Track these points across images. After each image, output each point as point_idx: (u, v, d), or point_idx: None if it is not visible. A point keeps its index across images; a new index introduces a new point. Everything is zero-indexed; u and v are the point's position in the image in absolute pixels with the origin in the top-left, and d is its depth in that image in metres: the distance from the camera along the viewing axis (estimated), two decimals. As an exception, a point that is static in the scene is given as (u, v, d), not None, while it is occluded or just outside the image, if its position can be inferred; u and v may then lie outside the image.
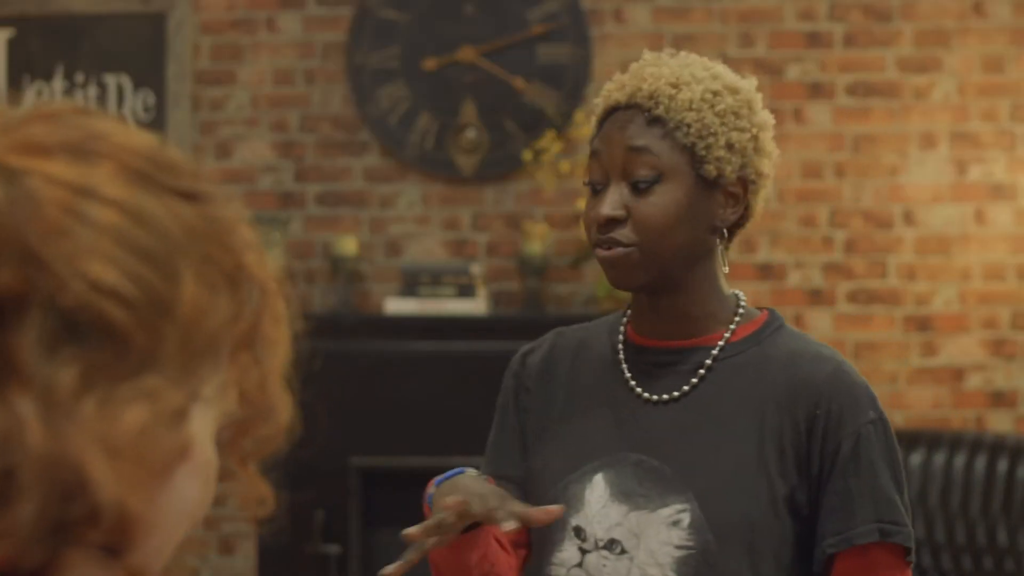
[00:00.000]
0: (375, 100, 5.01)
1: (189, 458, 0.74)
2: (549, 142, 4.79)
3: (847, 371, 1.75)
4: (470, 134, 4.97)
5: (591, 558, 1.74)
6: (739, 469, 1.71)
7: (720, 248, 1.79)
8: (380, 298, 4.96)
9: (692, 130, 1.72)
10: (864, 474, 1.70)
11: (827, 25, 4.93)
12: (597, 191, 1.77)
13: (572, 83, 4.95)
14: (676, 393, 1.76)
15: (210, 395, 0.75)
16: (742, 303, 1.82)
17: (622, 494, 1.73)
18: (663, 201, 1.72)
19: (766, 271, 4.91)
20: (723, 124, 1.73)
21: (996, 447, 4.56)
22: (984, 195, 4.87)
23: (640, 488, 1.73)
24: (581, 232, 4.85)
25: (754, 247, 4.89)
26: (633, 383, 1.79)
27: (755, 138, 1.76)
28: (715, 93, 1.75)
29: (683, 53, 1.83)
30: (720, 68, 1.81)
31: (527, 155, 4.83)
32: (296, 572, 4.75)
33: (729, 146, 1.73)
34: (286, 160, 5.06)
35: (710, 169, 1.72)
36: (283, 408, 0.80)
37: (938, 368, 4.87)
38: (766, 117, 1.80)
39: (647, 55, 1.81)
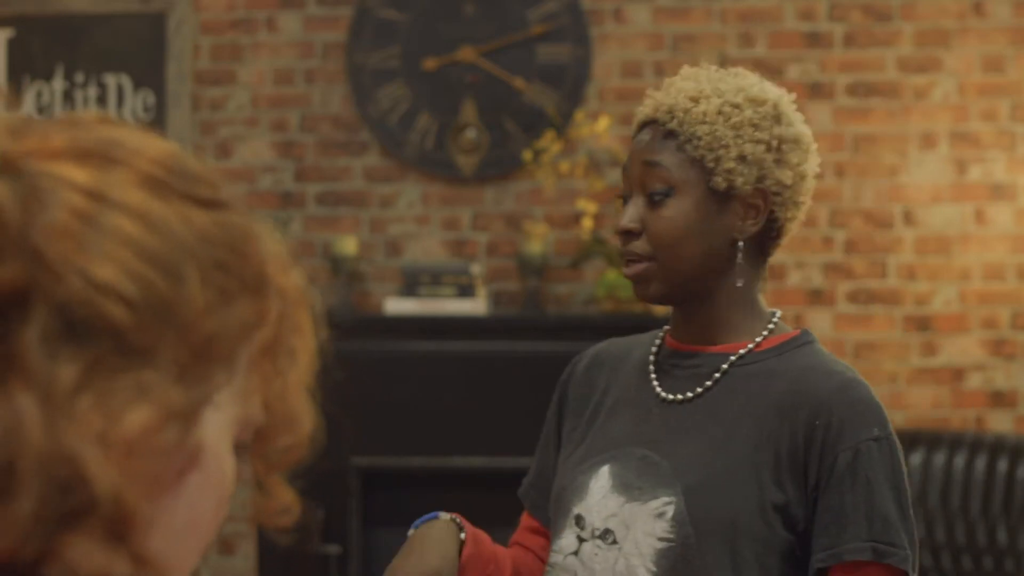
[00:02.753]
0: (375, 100, 5.01)
1: (200, 465, 0.75)
2: (549, 142, 4.79)
3: (856, 387, 1.74)
4: (470, 134, 4.97)
5: (587, 547, 1.77)
6: (730, 470, 1.71)
7: (743, 261, 1.79)
8: (380, 298, 4.96)
9: (702, 143, 1.74)
10: (860, 490, 1.67)
11: (827, 25, 4.93)
12: (625, 205, 1.81)
13: (572, 83, 4.94)
14: (690, 394, 1.79)
15: (225, 402, 0.75)
16: (775, 320, 1.84)
17: (622, 486, 1.76)
18: (674, 214, 1.75)
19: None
20: (737, 136, 1.74)
21: (996, 447, 4.56)
22: (984, 195, 4.87)
23: (638, 481, 1.75)
24: (581, 232, 4.87)
25: (754, 247, 4.89)
26: (656, 383, 1.83)
27: (776, 149, 1.76)
28: (734, 106, 1.76)
29: (737, 69, 1.84)
30: (751, 80, 1.81)
31: (527, 155, 4.83)
32: (296, 572, 4.75)
33: (741, 158, 1.74)
34: (286, 160, 5.06)
35: (719, 181, 1.74)
36: (305, 418, 0.81)
37: (938, 368, 4.88)
38: (798, 130, 1.79)
39: (685, 69, 1.84)
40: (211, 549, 5.01)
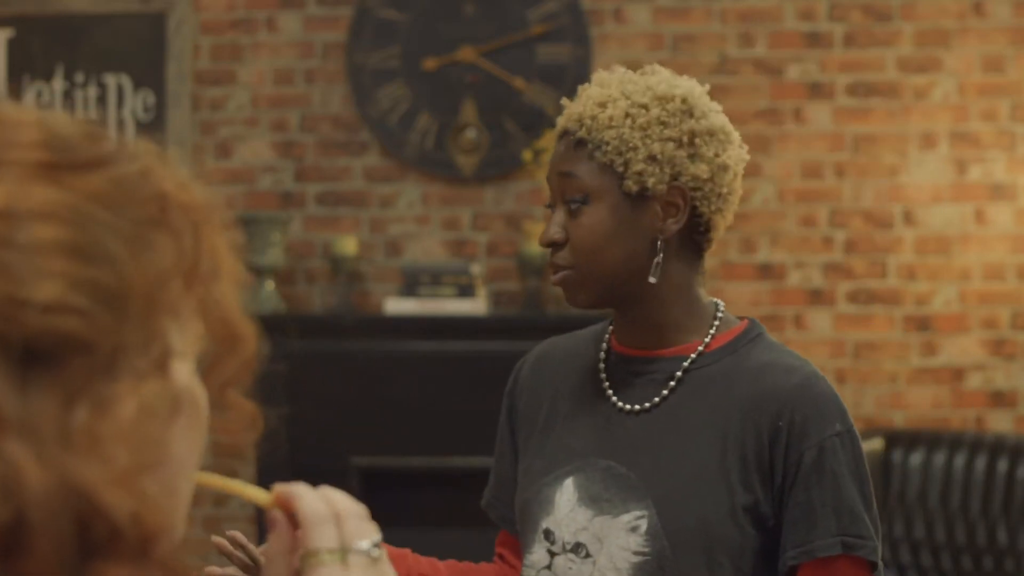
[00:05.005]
0: (375, 100, 5.01)
1: (180, 410, 0.74)
2: (549, 142, 4.79)
3: (815, 383, 1.73)
4: (470, 134, 4.97)
5: (559, 561, 1.76)
6: (698, 477, 1.71)
7: (678, 258, 1.78)
8: (380, 298, 4.96)
9: (610, 148, 1.74)
10: (827, 486, 1.69)
11: (827, 25, 4.93)
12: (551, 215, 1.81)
13: (572, 83, 4.93)
14: (647, 404, 1.77)
15: (180, 342, 0.74)
16: (720, 312, 1.82)
17: (589, 499, 1.76)
18: (591, 222, 1.75)
19: (766, 271, 4.91)
20: (646, 137, 1.73)
21: (996, 447, 4.56)
22: (984, 195, 4.87)
23: (606, 493, 1.75)
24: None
25: (754, 247, 4.89)
26: (610, 392, 1.81)
27: (688, 144, 1.75)
28: (642, 106, 1.75)
29: (652, 67, 1.83)
30: (661, 77, 1.80)
31: (527, 155, 4.83)
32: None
33: (651, 158, 1.73)
34: (286, 160, 5.06)
35: (630, 184, 1.73)
36: (248, 333, 0.79)
37: (938, 368, 4.87)
38: (711, 122, 1.77)
39: (597, 75, 1.85)
40: (211, 549, 5.01)
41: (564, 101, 1.85)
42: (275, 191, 5.06)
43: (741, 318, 1.84)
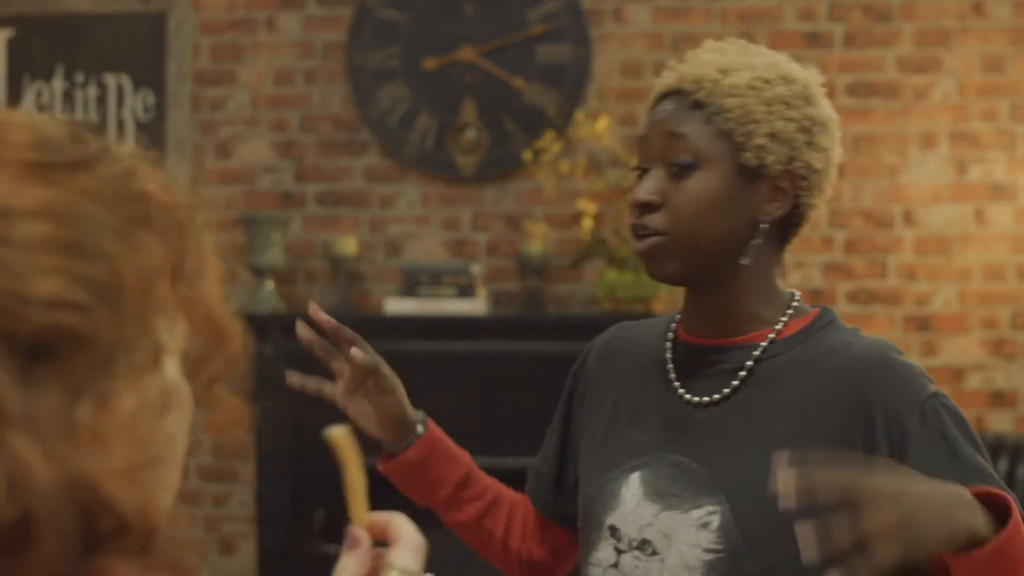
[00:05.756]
0: (375, 100, 5.01)
1: (171, 405, 0.75)
2: (549, 142, 4.79)
3: (893, 356, 1.64)
4: (470, 134, 4.97)
5: (626, 558, 1.69)
6: (774, 472, 1.60)
7: (765, 245, 1.69)
8: (380, 298, 4.96)
9: (732, 115, 1.64)
10: (940, 450, 1.57)
11: (827, 25, 4.93)
12: (642, 177, 1.70)
13: (572, 83, 4.94)
14: (717, 396, 1.69)
15: (168, 338, 0.76)
16: (795, 301, 1.74)
17: (656, 494, 1.68)
18: (698, 188, 1.65)
19: (766, 271, 4.91)
20: (769, 112, 1.65)
21: (996, 447, 4.56)
22: (984, 195, 4.87)
23: (673, 488, 1.67)
24: (581, 232, 4.86)
25: (754, 247, 4.89)
26: (677, 384, 1.73)
27: (807, 131, 1.67)
28: (766, 81, 1.66)
29: (749, 44, 1.74)
30: (781, 58, 1.72)
31: (527, 155, 4.83)
32: (296, 572, 4.75)
33: (773, 135, 1.65)
34: (286, 160, 5.06)
35: (749, 157, 1.65)
36: (233, 330, 0.80)
37: (938, 368, 4.87)
38: (827, 113, 1.70)
39: (708, 43, 1.74)
40: (211, 549, 5.01)
41: (671, 63, 1.73)
42: (275, 191, 5.06)
43: (813, 306, 1.76)
